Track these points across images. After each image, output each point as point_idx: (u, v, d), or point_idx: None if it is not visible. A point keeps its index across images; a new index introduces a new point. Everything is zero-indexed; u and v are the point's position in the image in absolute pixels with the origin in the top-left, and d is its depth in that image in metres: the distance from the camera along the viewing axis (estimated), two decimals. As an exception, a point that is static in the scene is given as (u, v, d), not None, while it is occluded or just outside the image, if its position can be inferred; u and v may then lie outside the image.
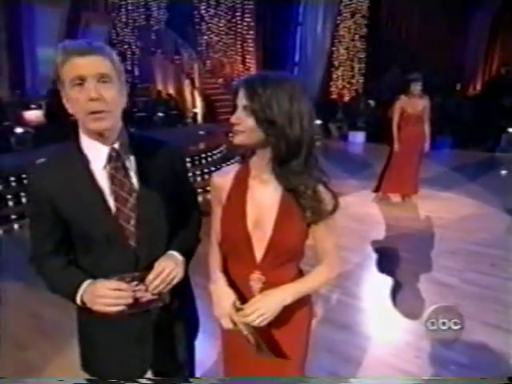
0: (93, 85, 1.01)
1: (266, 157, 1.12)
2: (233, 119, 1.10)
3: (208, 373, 2.12)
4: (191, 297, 1.38)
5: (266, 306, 1.10)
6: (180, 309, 1.24)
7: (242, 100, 1.07)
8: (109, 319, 1.10)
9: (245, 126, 1.07)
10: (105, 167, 1.10)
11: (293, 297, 1.15)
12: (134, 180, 1.14)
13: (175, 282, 1.12)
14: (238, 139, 1.11)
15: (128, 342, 1.20)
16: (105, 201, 1.10)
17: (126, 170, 1.12)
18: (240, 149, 1.18)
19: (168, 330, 1.25)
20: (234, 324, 1.13)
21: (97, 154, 1.10)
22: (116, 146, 1.11)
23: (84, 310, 1.13)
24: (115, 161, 1.11)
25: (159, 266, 1.10)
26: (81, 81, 1.01)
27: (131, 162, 1.14)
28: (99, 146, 1.10)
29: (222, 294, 1.17)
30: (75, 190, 1.09)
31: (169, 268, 1.11)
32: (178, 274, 1.13)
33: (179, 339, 1.29)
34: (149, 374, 1.35)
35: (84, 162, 1.10)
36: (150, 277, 1.08)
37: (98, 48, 1.04)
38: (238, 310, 1.13)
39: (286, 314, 1.15)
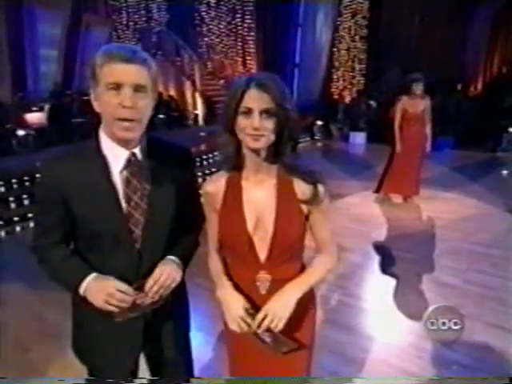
0: (129, 93, 1.02)
1: (261, 156, 1.12)
2: (252, 124, 1.04)
3: (207, 372, 2.12)
4: (185, 297, 1.40)
5: (279, 308, 1.12)
6: (172, 304, 1.25)
7: (260, 103, 1.04)
8: (103, 313, 1.11)
9: (267, 129, 1.06)
10: (122, 171, 1.12)
11: (301, 291, 1.17)
12: (147, 185, 1.15)
13: (173, 286, 1.15)
14: (261, 143, 1.07)
15: (119, 332, 1.21)
16: (118, 203, 1.12)
17: (141, 175, 1.14)
18: (259, 153, 1.13)
19: (160, 324, 1.27)
20: (248, 326, 1.13)
21: (116, 156, 1.12)
22: (136, 150, 1.12)
23: (81, 300, 1.15)
24: (133, 165, 1.12)
25: (156, 272, 1.13)
26: (117, 87, 1.02)
27: (147, 167, 1.15)
28: (119, 149, 1.11)
29: (231, 300, 1.17)
30: (90, 188, 1.10)
31: (166, 274, 1.13)
32: (175, 278, 1.15)
33: (172, 333, 1.30)
34: (146, 373, 1.36)
35: (102, 162, 1.11)
36: (149, 283, 1.11)
37: (141, 58, 1.05)
38: (250, 315, 1.13)
39: (293, 314, 1.15)
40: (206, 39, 12.13)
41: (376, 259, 3.60)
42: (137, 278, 1.13)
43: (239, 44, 12.32)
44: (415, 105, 4.67)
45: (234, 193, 1.18)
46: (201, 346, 2.25)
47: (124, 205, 1.12)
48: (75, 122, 7.91)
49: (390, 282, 3.17)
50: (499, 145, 8.16)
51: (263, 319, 1.11)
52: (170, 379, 1.36)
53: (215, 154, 6.84)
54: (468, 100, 9.58)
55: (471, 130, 8.29)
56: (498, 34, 9.83)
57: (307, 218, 1.20)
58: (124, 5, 11.79)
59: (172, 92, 11.27)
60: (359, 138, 9.83)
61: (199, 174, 6.06)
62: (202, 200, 1.26)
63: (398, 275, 3.26)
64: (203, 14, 11.97)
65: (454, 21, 9.86)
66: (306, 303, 1.24)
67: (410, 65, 8.38)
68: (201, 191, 1.27)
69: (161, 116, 9.84)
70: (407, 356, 2.32)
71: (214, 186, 1.21)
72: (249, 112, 1.05)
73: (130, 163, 1.12)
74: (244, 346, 1.22)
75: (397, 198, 5.14)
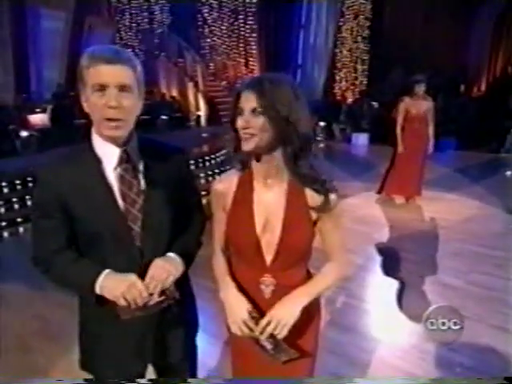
0: (114, 93, 1.04)
1: (271, 161, 1.12)
2: (241, 123, 1.06)
3: (210, 373, 2.12)
4: (191, 298, 1.40)
5: (284, 315, 1.11)
6: (180, 309, 1.25)
7: (249, 103, 1.06)
8: (112, 318, 1.10)
9: (256, 128, 1.05)
10: (115, 168, 1.13)
11: (308, 299, 1.15)
12: (143, 182, 1.16)
13: (170, 280, 1.13)
14: (251, 144, 1.07)
15: (129, 340, 1.22)
16: (115, 201, 1.13)
17: (135, 171, 1.15)
18: (251, 155, 1.13)
19: (168, 330, 1.27)
20: (250, 330, 1.12)
21: (108, 155, 1.13)
22: (127, 148, 1.14)
23: (88, 306, 1.16)
24: (126, 162, 1.13)
25: (150, 270, 1.13)
26: (102, 88, 1.04)
27: (140, 165, 1.16)
28: (111, 147, 1.13)
29: (234, 302, 1.16)
30: (86, 188, 1.11)
31: (159, 269, 1.13)
32: (170, 272, 1.14)
33: (179, 339, 1.30)
34: (151, 374, 1.36)
35: (96, 161, 1.13)
36: (146, 281, 1.10)
37: (124, 58, 1.07)
38: (253, 318, 1.12)
39: (298, 320, 1.14)
40: (208, 40, 12.17)
41: (378, 260, 3.59)
42: (139, 276, 1.12)
43: (241, 45, 12.35)
44: (417, 105, 4.67)
45: (244, 193, 1.17)
46: (204, 347, 2.25)
47: (121, 202, 1.13)
48: (78, 123, 7.93)
49: (393, 284, 3.16)
50: (502, 146, 8.13)
51: (267, 325, 1.10)
52: (171, 379, 1.36)
53: (218, 154, 6.85)
54: (471, 101, 9.55)
55: (474, 130, 8.27)
56: (502, 34, 9.80)
57: (316, 223, 1.18)
58: (127, 6, 11.84)
59: (174, 93, 11.30)
60: (362, 139, 9.81)
61: (202, 174, 6.07)
62: (211, 198, 1.25)
63: (400, 276, 3.25)
64: (206, 15, 12.02)
65: (457, 21, 9.84)
66: (310, 309, 1.22)
67: (413, 66, 8.36)
68: (211, 189, 1.25)
69: (163, 117, 9.87)
70: (410, 357, 2.32)
71: (224, 185, 1.21)
72: (241, 112, 1.07)
73: (123, 160, 1.13)
74: (247, 349, 1.22)
75: (399, 199, 5.13)
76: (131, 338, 1.21)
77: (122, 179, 1.13)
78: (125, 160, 1.13)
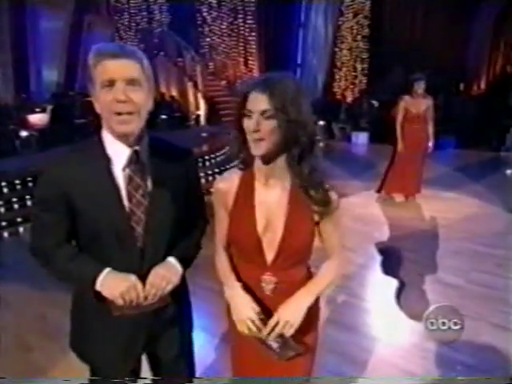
0: (121, 87, 1.04)
1: (277, 162, 1.12)
2: (252, 126, 1.04)
3: (209, 371, 2.13)
4: (186, 298, 1.40)
5: (291, 315, 1.13)
6: (174, 308, 1.26)
7: (258, 105, 1.04)
8: (105, 313, 1.12)
9: (266, 131, 1.04)
10: (124, 169, 1.12)
11: (312, 297, 1.18)
12: (149, 184, 1.16)
13: (169, 287, 1.16)
14: (261, 149, 1.06)
15: (120, 335, 1.22)
16: (120, 200, 1.12)
17: (143, 173, 1.14)
18: (262, 159, 1.12)
19: (162, 327, 1.28)
20: (256, 328, 1.13)
21: (118, 154, 1.12)
22: (138, 148, 1.13)
23: (83, 299, 1.18)
24: (135, 163, 1.13)
25: (152, 276, 1.14)
26: (110, 83, 1.04)
27: (149, 166, 1.16)
28: (121, 146, 1.12)
29: (240, 301, 1.17)
30: (93, 186, 1.11)
31: (159, 277, 1.14)
32: (170, 279, 1.16)
33: (173, 336, 1.31)
34: (148, 373, 1.36)
35: (104, 159, 1.12)
36: (147, 288, 1.12)
37: (130, 52, 1.07)
38: (260, 319, 1.14)
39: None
40: (207, 40, 12.15)
41: (378, 259, 3.59)
42: (138, 277, 1.13)
43: (241, 44, 12.32)
44: (417, 104, 4.67)
45: (246, 193, 1.18)
46: (203, 345, 2.25)
47: (126, 202, 1.13)
48: (78, 123, 7.93)
49: (393, 283, 3.16)
50: (502, 144, 8.13)
51: (275, 325, 1.12)
52: (173, 379, 1.36)
53: (217, 154, 6.84)
54: (471, 99, 9.54)
55: (474, 129, 8.26)
56: (502, 33, 9.77)
57: (318, 223, 1.19)
58: (126, 6, 11.84)
59: (174, 93, 11.28)
60: (361, 138, 9.80)
61: (201, 174, 6.07)
62: (212, 196, 1.26)
63: (400, 275, 3.25)
64: (205, 14, 11.99)
65: (457, 19, 9.81)
66: (310, 308, 1.23)
67: (412, 64, 8.35)
68: (212, 188, 1.26)
69: (163, 116, 9.85)
70: (411, 356, 2.32)
71: (226, 184, 1.21)
72: (249, 114, 1.06)
73: (133, 161, 1.12)
74: (247, 347, 1.22)
75: (399, 198, 5.13)
76: (123, 333, 1.22)
77: (129, 180, 1.13)
78: (134, 160, 1.12)
